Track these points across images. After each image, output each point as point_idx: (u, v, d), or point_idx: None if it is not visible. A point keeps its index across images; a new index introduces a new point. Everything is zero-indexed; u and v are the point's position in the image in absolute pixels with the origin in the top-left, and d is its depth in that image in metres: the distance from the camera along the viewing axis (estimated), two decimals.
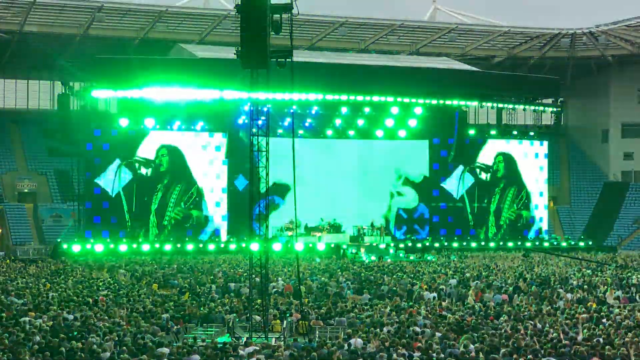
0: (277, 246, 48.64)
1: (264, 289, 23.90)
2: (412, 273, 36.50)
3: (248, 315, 23.46)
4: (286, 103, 49.68)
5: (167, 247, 50.20)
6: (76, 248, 48.29)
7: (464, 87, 55.76)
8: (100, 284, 31.91)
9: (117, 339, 19.20)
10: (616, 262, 42.71)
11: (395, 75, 54.25)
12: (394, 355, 17.26)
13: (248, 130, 25.70)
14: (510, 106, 59.08)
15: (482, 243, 57.18)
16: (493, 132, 61.50)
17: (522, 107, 58.98)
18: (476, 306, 25.76)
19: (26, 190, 62.17)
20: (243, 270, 35.82)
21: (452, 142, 59.29)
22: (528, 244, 57.14)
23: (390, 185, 59.09)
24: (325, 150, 57.95)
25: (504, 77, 61.46)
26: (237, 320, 23.82)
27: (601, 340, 18.57)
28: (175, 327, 22.78)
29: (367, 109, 56.04)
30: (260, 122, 24.15)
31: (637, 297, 28.89)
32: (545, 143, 61.61)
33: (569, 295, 28.29)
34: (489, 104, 58.43)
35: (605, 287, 30.36)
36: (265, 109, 26.05)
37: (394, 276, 34.40)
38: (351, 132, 58.72)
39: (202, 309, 25.68)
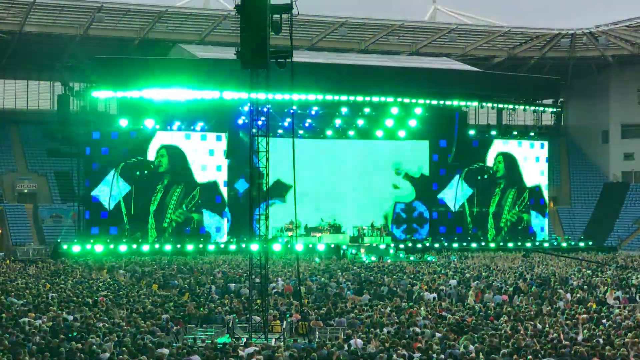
0: (277, 247, 48.63)
1: (263, 290, 23.89)
2: (412, 274, 36.50)
3: (248, 315, 23.44)
4: (286, 103, 49.64)
5: (167, 247, 50.19)
6: (76, 248, 48.27)
7: (464, 88, 55.74)
8: (100, 284, 31.91)
9: (116, 339, 19.20)
10: (616, 263, 42.70)
11: (395, 75, 54.21)
12: (394, 356, 17.25)
13: (248, 130, 25.69)
14: (511, 106, 59.07)
15: (483, 244, 57.12)
16: (493, 133, 61.51)
17: (522, 107, 58.97)
18: (476, 307, 25.77)
19: (26, 191, 62.17)
20: (243, 270, 35.82)
21: (452, 142, 59.22)
22: (528, 244, 57.12)
23: (390, 181, 59.08)
24: (325, 151, 57.96)
25: (504, 77, 61.41)
26: (237, 320, 23.83)
27: (601, 340, 18.57)
28: (175, 327, 22.79)
29: (367, 110, 56.06)
30: (260, 122, 24.13)
31: (637, 298, 28.88)
32: (546, 143, 61.57)
33: (569, 296, 28.29)
34: (489, 105, 58.40)
35: (606, 287, 30.35)
36: (265, 110, 26.02)
37: (394, 277, 34.39)
38: (351, 133, 58.73)
39: (202, 309, 25.68)
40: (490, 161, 59.67)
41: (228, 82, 47.79)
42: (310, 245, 51.55)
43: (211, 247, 51.40)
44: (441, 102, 54.63)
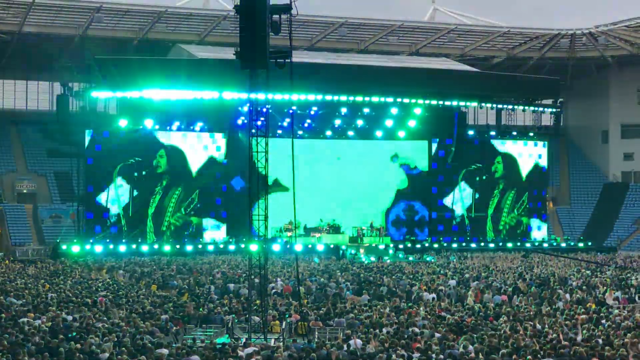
0: (276, 247, 48.65)
1: (263, 290, 23.87)
2: (411, 274, 36.49)
3: (247, 316, 23.43)
4: (286, 103, 49.66)
5: (166, 247, 50.20)
6: (75, 249, 48.27)
7: (464, 88, 55.71)
8: (100, 284, 31.90)
9: (116, 339, 19.18)
10: (616, 263, 42.70)
11: (394, 75, 54.17)
12: (393, 356, 17.25)
13: (247, 130, 25.67)
14: (510, 107, 59.03)
15: (482, 244, 57.10)
16: (493, 133, 61.51)
17: (521, 107, 58.93)
18: (475, 307, 25.75)
19: (25, 191, 62.18)
20: (242, 271, 35.81)
21: (452, 143, 59.20)
22: (527, 245, 57.12)
23: (390, 181, 59.12)
24: (324, 151, 57.95)
25: (504, 77, 61.39)
26: (236, 321, 23.81)
27: (600, 341, 18.56)
28: (174, 328, 22.77)
29: (366, 110, 56.05)
30: (259, 122, 24.12)
31: (637, 298, 28.87)
32: (545, 144, 61.52)
33: (568, 296, 28.28)
34: (489, 105, 58.35)
35: (605, 287, 30.34)
36: (264, 110, 26.01)
37: (393, 277, 34.39)
38: (350, 133, 58.73)
39: (201, 310, 25.66)
40: (489, 162, 59.63)
41: (227, 83, 47.76)
42: (310, 246, 51.56)
43: (210, 248, 51.43)
44: (441, 102, 54.62)
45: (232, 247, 51.35)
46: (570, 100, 72.71)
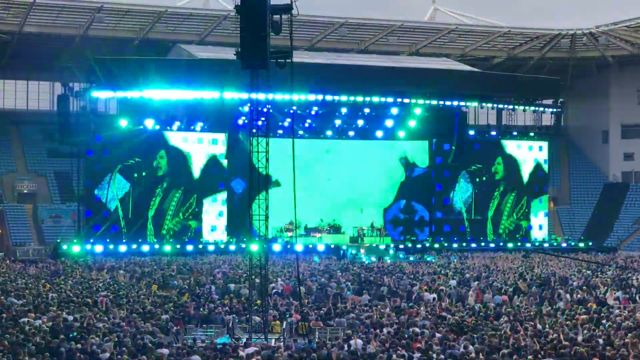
0: (277, 247, 48.65)
1: (263, 290, 23.88)
2: (412, 274, 36.48)
3: (248, 316, 23.43)
4: (286, 103, 49.67)
5: (167, 248, 50.21)
6: (76, 249, 48.28)
7: (464, 88, 55.70)
8: (100, 284, 31.89)
9: (116, 339, 19.18)
10: (616, 263, 42.69)
11: (395, 75, 54.19)
12: (394, 356, 17.25)
13: (248, 130, 25.69)
14: (510, 107, 59.01)
15: (482, 244, 57.08)
16: (493, 133, 61.49)
17: (522, 107, 58.92)
18: (476, 307, 25.76)
19: (26, 191, 62.20)
20: (243, 271, 35.80)
21: (452, 143, 59.17)
22: (528, 245, 57.10)
23: (390, 181, 59.12)
24: (325, 151, 57.95)
25: (504, 77, 61.39)
26: (237, 321, 23.81)
27: (601, 341, 18.55)
28: (174, 328, 22.76)
29: (366, 110, 56.06)
30: (260, 122, 24.13)
31: (638, 298, 28.84)
32: (545, 144, 61.50)
33: (568, 296, 28.27)
34: (489, 105, 58.33)
35: (606, 288, 30.32)
36: (265, 110, 26.03)
37: (394, 277, 34.37)
38: (351, 133, 58.73)
39: (201, 310, 25.66)
40: (489, 162, 59.62)
41: (228, 83, 47.75)
42: (310, 246, 51.57)
43: (211, 248, 51.44)
44: (441, 102, 54.61)
45: (232, 247, 51.35)
46: (570, 101, 72.69)
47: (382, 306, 25.97)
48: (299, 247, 46.82)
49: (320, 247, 51.37)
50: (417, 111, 56.85)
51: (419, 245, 54.86)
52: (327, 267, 39.74)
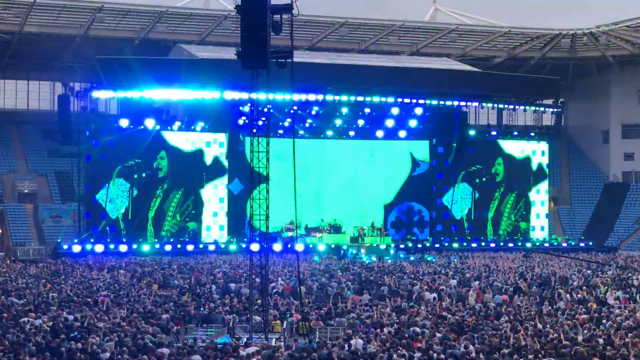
0: (277, 247, 48.65)
1: (264, 290, 23.89)
2: (412, 274, 36.50)
3: (248, 315, 23.44)
4: (286, 103, 49.68)
5: (167, 247, 50.22)
6: (76, 248, 48.31)
7: (465, 88, 55.71)
8: (101, 284, 31.92)
9: (117, 339, 19.19)
10: (616, 263, 42.69)
11: (395, 75, 54.20)
12: (394, 356, 17.26)
13: (248, 130, 25.70)
14: (511, 107, 59.03)
15: (483, 244, 57.08)
16: (493, 133, 61.48)
17: (522, 107, 58.93)
18: (476, 307, 25.77)
19: (26, 191, 62.19)
20: (243, 270, 35.82)
21: (452, 143, 59.17)
22: (528, 245, 57.10)
23: (390, 181, 59.10)
24: (325, 151, 57.95)
25: (505, 77, 61.36)
26: (237, 320, 23.82)
27: (601, 341, 18.57)
28: (175, 327, 22.78)
29: (367, 110, 56.03)
30: (260, 122, 24.14)
31: (638, 298, 28.86)
32: (546, 144, 61.48)
33: (569, 296, 28.28)
34: (490, 105, 58.35)
35: (606, 287, 30.34)
36: (265, 110, 26.04)
37: (394, 277, 34.39)
38: (351, 133, 58.74)
39: (202, 309, 25.68)
40: (489, 163, 59.59)
41: (228, 83, 47.79)
42: (311, 245, 51.56)
43: (211, 247, 51.45)
44: (441, 102, 54.63)
45: (233, 247, 51.36)
46: (571, 100, 72.67)
47: (383, 306, 25.97)
48: (299, 247, 46.81)
49: (321, 247, 51.37)
50: (418, 111, 56.88)
51: (419, 245, 54.86)
52: (327, 267, 39.75)
